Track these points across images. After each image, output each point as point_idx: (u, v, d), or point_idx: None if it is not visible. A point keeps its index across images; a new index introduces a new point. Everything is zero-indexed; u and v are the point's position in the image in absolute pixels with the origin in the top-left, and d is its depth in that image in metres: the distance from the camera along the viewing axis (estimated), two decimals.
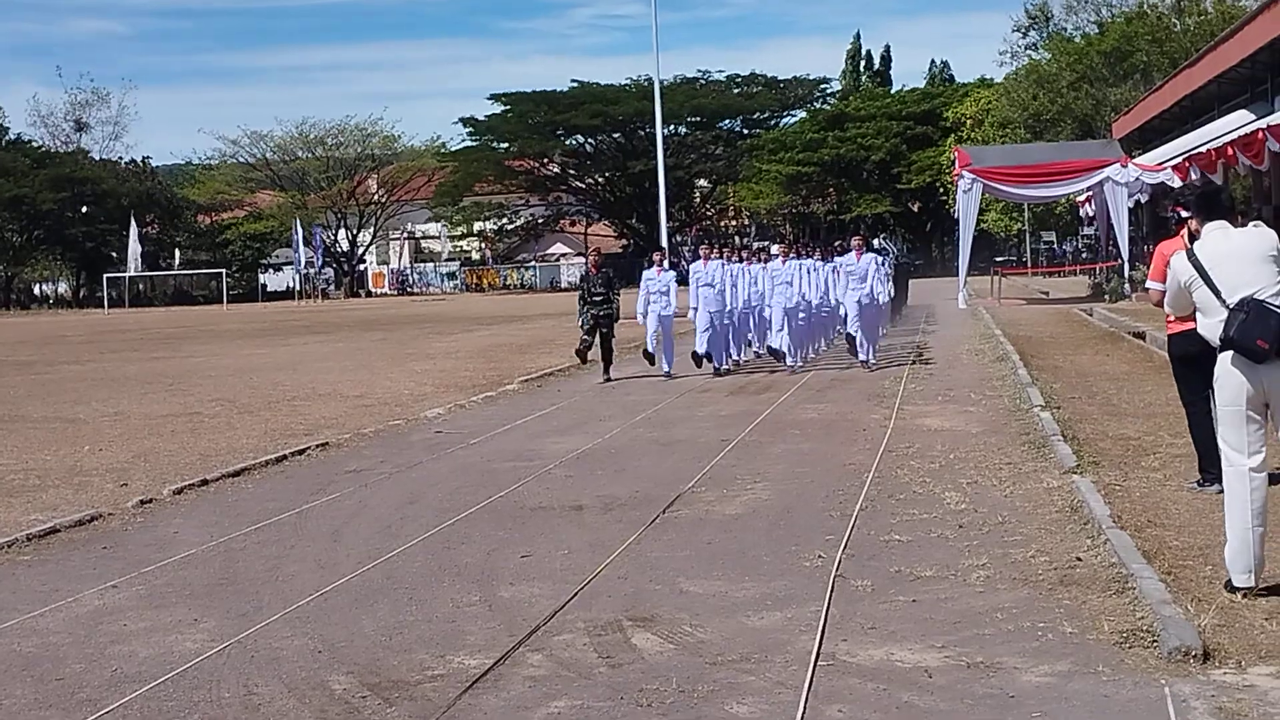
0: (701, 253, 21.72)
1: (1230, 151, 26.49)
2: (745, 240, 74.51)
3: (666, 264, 21.67)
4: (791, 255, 21.91)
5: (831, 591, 7.20)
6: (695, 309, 20.50)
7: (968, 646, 6.15)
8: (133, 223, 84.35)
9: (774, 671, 5.95)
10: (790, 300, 20.89)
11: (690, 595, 7.35)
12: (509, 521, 9.72)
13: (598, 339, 20.54)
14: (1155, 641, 5.94)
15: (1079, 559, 7.60)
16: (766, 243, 21.82)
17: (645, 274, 21.15)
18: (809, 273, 21.53)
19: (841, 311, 22.03)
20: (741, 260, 22.04)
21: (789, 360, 20.81)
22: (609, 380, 20.14)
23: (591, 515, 9.87)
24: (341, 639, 6.77)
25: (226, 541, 9.38)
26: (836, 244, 25.72)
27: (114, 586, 8.16)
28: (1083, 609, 6.62)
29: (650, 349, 20.64)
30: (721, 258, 21.43)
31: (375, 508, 10.54)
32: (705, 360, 20.45)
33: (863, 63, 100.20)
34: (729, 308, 20.91)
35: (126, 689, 6.08)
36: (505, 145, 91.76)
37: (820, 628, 6.54)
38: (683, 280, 21.88)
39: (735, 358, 22.10)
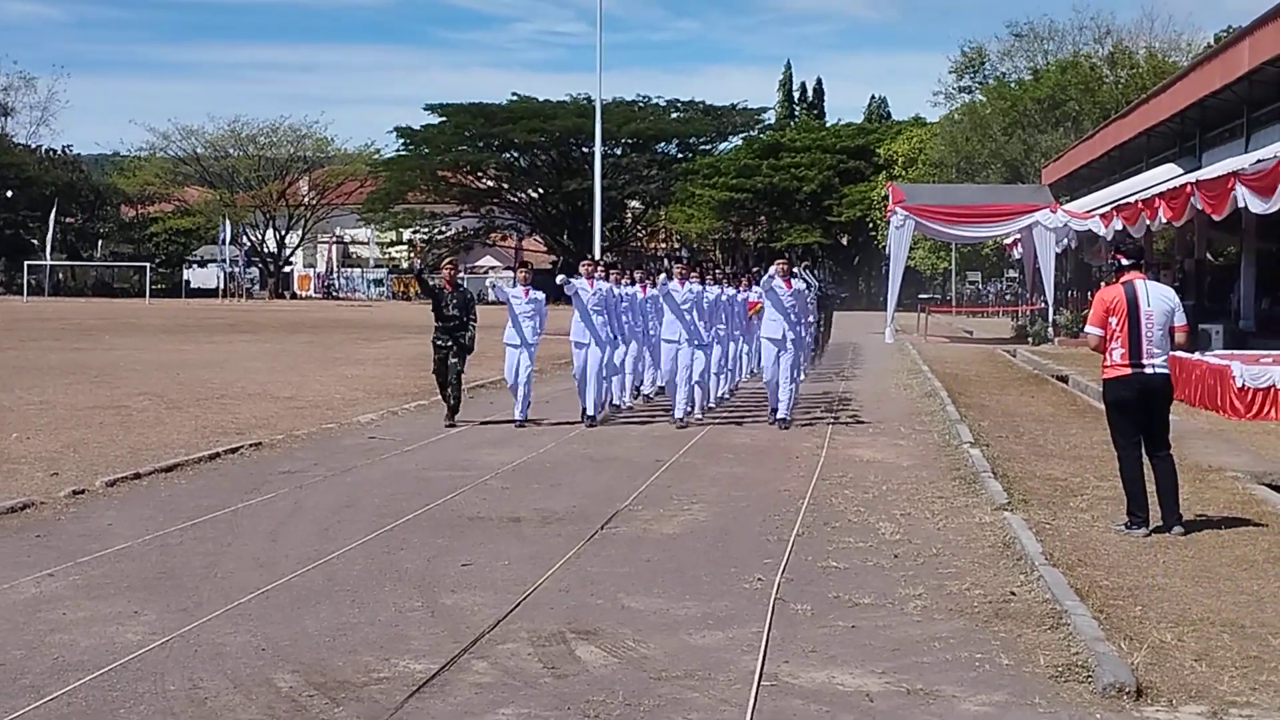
0: (583, 270, 17.64)
1: (1156, 204, 27.03)
2: (673, 262, 74.42)
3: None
4: (693, 279, 17.42)
5: (772, 614, 7.31)
6: (575, 344, 17.05)
7: (907, 673, 6.27)
8: (54, 211, 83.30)
9: (718, 689, 6.03)
10: (683, 335, 16.87)
11: (632, 611, 7.42)
12: (447, 530, 9.74)
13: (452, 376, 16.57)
14: (1090, 677, 6.10)
15: (1013, 594, 7.76)
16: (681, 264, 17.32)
17: (510, 293, 16.98)
18: (711, 301, 17.64)
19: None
20: (634, 282, 18.81)
21: (676, 411, 16.89)
22: (453, 425, 16.20)
23: (530, 528, 9.91)
24: (285, 638, 6.77)
25: (162, 536, 9.33)
26: (754, 270, 21.58)
27: (50, 575, 8.09)
28: (1018, 642, 6.77)
29: (519, 415, 16.62)
30: (608, 278, 17.77)
31: (312, 510, 10.52)
32: (595, 417, 16.95)
33: (795, 93, 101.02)
34: (614, 339, 17.53)
35: (70, 677, 6.05)
36: (439, 156, 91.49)
37: (762, 648, 6.63)
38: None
39: (617, 401, 18.54)
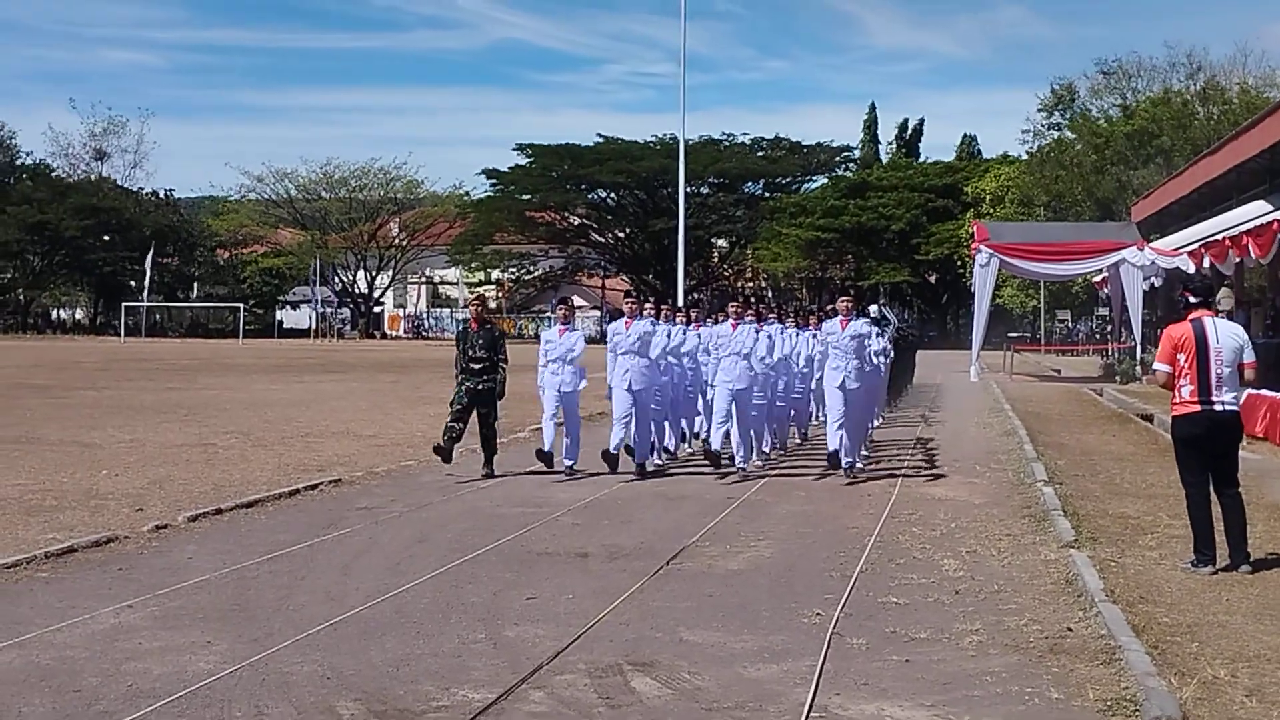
0: (626, 309, 16.14)
1: (1244, 241, 26.74)
2: (759, 301, 74.24)
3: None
4: (747, 317, 16.14)
5: (827, 648, 7.40)
6: (613, 387, 15.75)
7: (956, 707, 6.33)
8: (151, 253, 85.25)
9: None
10: (738, 378, 15.65)
11: (690, 644, 7.54)
12: (516, 565, 9.92)
13: (475, 422, 15.31)
14: (1137, 711, 6.13)
15: (1070, 629, 7.78)
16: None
17: (544, 335, 15.91)
18: (767, 339, 16.24)
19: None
20: (690, 321, 17.15)
21: (738, 460, 15.67)
22: (490, 475, 15.22)
23: (596, 563, 10.07)
24: (350, 668, 6.97)
25: (239, 570, 9.60)
26: (827, 308, 19.19)
27: (129, 606, 8.37)
28: (1070, 676, 6.81)
29: (548, 445, 15.40)
30: (653, 317, 16.33)
31: (385, 545, 10.75)
32: (621, 458, 15.62)
33: (892, 131, 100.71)
34: (659, 384, 16.09)
35: (141, 703, 6.29)
36: (527, 196, 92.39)
37: (815, 681, 6.73)
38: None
39: (669, 449, 17.10)
